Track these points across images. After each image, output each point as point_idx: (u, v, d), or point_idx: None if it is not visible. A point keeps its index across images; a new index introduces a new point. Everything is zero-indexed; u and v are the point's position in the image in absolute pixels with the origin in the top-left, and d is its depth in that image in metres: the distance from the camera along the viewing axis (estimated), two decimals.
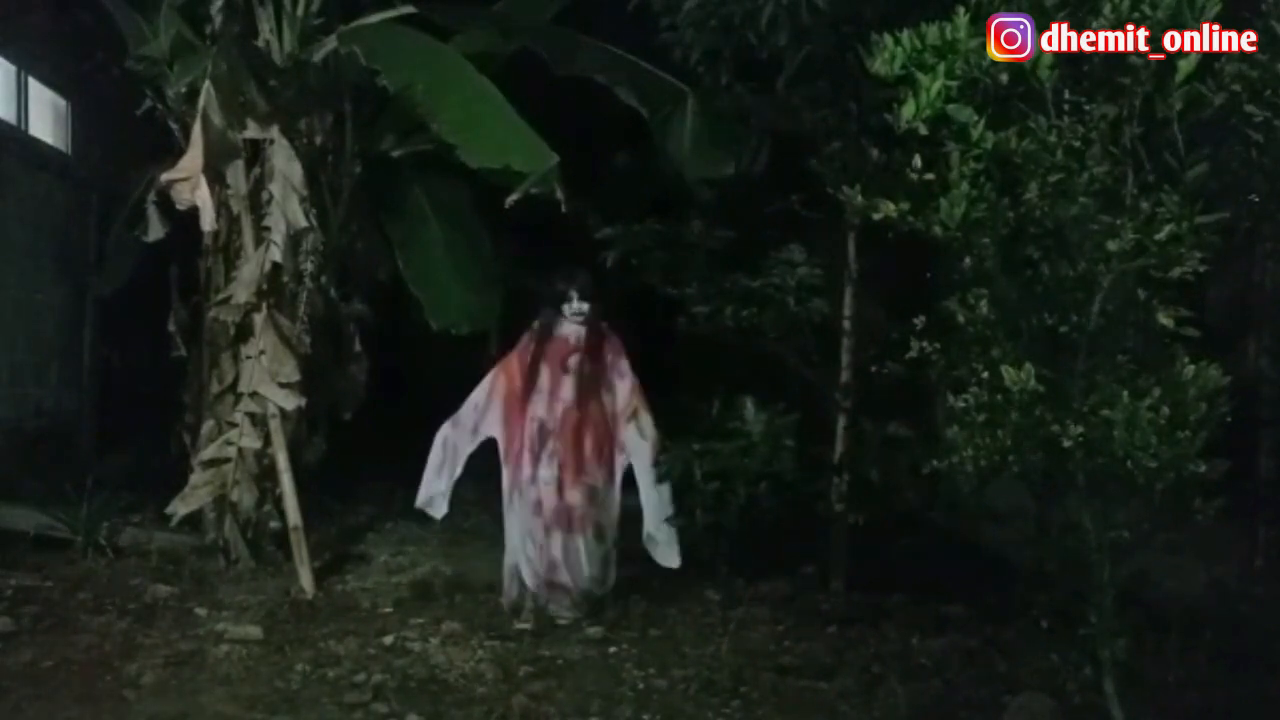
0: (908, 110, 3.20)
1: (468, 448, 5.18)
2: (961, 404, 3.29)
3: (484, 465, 5.30)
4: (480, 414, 5.17)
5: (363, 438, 6.78)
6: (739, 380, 5.31)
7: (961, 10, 3.16)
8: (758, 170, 5.72)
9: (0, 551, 5.52)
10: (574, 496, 5.05)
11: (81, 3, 7.00)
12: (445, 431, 5.19)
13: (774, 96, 5.00)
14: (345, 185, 6.53)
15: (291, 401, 5.85)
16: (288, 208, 5.91)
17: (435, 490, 5.22)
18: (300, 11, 6.34)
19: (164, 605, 5.09)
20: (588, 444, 5.07)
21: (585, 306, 5.07)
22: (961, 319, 3.38)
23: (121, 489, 6.34)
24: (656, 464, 5.07)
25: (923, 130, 3.21)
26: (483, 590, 5.40)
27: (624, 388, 5.12)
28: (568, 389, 5.08)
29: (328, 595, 5.42)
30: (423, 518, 5.56)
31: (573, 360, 5.10)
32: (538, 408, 5.09)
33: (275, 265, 5.91)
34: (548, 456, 5.05)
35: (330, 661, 4.42)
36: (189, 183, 5.48)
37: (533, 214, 5.39)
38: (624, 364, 5.14)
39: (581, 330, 5.10)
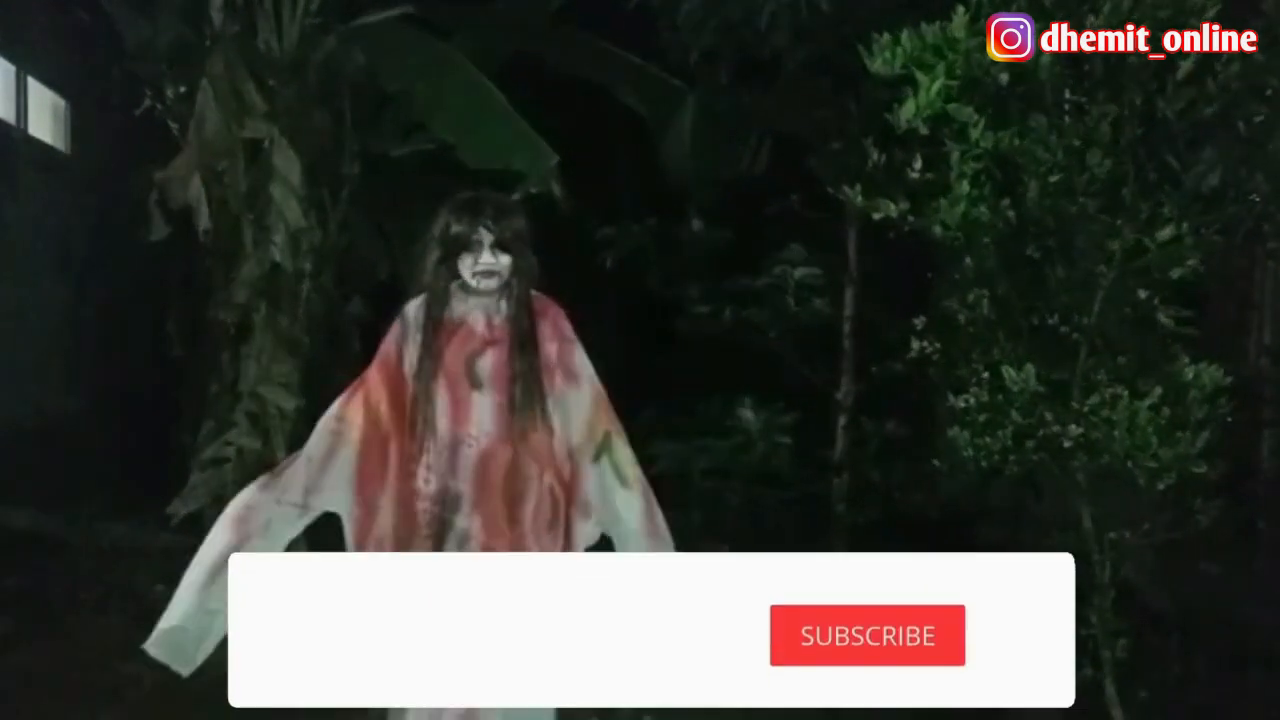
0: (908, 110, 3.20)
1: (287, 530, 2.72)
2: (962, 404, 3.29)
3: None
4: (317, 470, 2.71)
5: None
6: (739, 379, 5.30)
7: (961, 10, 3.16)
8: (758, 170, 5.71)
9: (0, 551, 5.52)
10: None
11: (81, 3, 6.99)
12: (250, 499, 2.72)
13: (774, 96, 5.00)
14: (345, 185, 6.51)
15: (291, 401, 5.84)
16: (287, 207, 5.90)
17: (183, 613, 2.85)
18: (300, 11, 6.32)
19: (164, 605, 5.06)
20: (527, 508, 2.72)
21: (505, 261, 2.77)
22: (962, 319, 3.39)
23: (121, 489, 6.33)
24: (655, 534, 2.68)
25: (923, 130, 3.22)
26: None
27: (580, 400, 2.77)
28: (482, 414, 2.73)
29: None
30: None
31: (486, 362, 2.76)
32: (432, 455, 2.73)
33: (275, 265, 5.90)
34: (455, 542, 2.70)
35: None
36: (185, 182, 5.49)
37: (533, 214, 5.38)
38: (576, 357, 2.80)
39: (500, 305, 2.80)
